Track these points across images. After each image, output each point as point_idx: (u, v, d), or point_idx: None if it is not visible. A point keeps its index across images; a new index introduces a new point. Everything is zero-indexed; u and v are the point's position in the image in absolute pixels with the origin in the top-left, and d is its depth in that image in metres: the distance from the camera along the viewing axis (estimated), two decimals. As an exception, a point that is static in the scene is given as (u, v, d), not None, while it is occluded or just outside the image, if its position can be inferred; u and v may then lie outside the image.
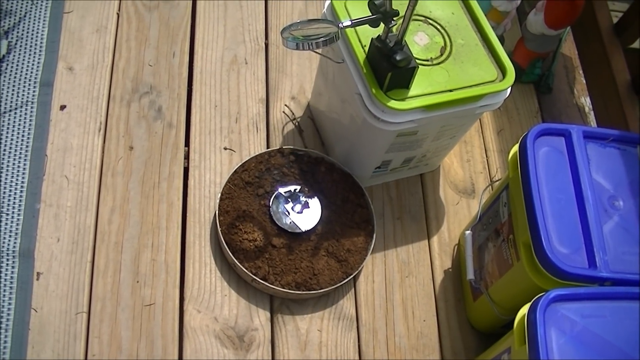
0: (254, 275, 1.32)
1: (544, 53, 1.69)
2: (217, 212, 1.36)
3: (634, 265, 1.16)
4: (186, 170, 1.47)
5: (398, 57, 1.17)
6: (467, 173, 1.58)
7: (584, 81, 1.76)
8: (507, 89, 1.30)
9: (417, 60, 1.24)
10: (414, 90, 1.24)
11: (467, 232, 1.41)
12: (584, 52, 1.79)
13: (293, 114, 1.56)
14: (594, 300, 1.11)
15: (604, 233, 1.17)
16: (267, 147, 1.52)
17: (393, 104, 1.22)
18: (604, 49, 1.66)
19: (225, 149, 1.49)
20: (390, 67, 1.19)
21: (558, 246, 1.15)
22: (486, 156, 1.62)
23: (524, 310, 1.12)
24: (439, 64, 1.28)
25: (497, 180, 1.55)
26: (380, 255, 1.45)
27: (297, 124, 1.55)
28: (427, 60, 1.28)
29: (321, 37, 1.15)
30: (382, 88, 1.22)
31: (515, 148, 1.26)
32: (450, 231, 1.51)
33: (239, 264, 1.32)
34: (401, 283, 1.43)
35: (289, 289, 1.33)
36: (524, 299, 1.14)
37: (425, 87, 1.25)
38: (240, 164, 1.42)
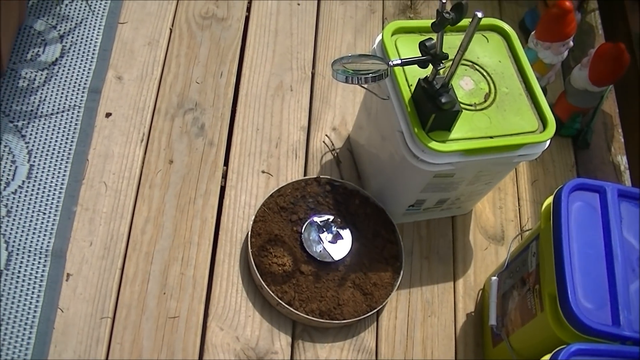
0: (280, 299, 1.36)
1: (584, 108, 1.74)
2: (249, 233, 1.41)
3: (658, 327, 1.20)
4: (222, 190, 1.51)
5: (443, 100, 1.22)
6: (498, 220, 1.62)
7: (622, 140, 1.80)
8: (546, 140, 1.34)
9: (461, 105, 1.29)
10: (455, 133, 1.29)
11: (494, 278, 1.44)
12: (624, 110, 1.83)
13: (333, 144, 1.61)
14: (614, 357, 1.14)
15: (630, 292, 1.20)
16: (304, 175, 1.57)
17: (434, 145, 1.26)
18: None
19: (262, 172, 1.54)
20: (434, 109, 1.24)
21: (583, 301, 1.18)
22: (518, 205, 1.66)
23: (543, 361, 1.15)
24: (482, 109, 1.33)
25: (527, 230, 1.58)
26: (405, 292, 1.49)
27: (335, 154, 1.60)
28: (471, 105, 1.32)
29: (370, 73, 1.20)
30: (424, 128, 1.27)
31: (550, 200, 1.30)
32: (476, 275, 1.55)
33: (265, 287, 1.36)
34: (423, 322, 1.47)
35: (313, 316, 1.36)
36: (544, 350, 1.17)
37: (466, 131, 1.29)
38: (276, 188, 1.46)
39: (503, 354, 1.38)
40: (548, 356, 1.13)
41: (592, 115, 1.78)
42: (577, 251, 1.22)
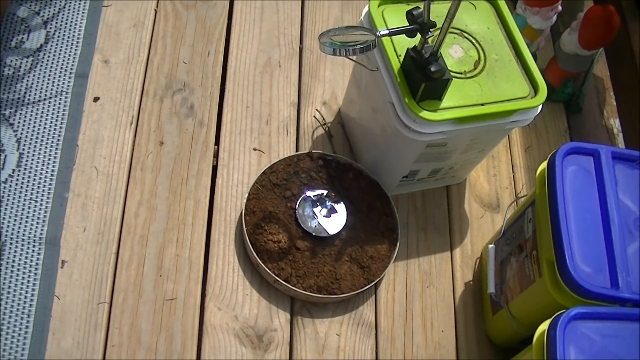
0: (277, 276, 1.35)
1: (575, 73, 1.72)
2: (243, 211, 1.40)
3: (657, 288, 1.19)
4: (214, 169, 1.50)
5: (433, 69, 1.20)
6: (493, 188, 1.61)
7: (614, 103, 1.78)
8: (538, 106, 1.32)
9: (450, 73, 1.27)
10: (446, 102, 1.27)
11: (490, 246, 1.44)
12: (615, 73, 1.81)
13: (324, 119, 1.59)
14: (614, 320, 1.13)
15: (628, 254, 1.19)
16: (296, 151, 1.55)
17: (425, 114, 1.24)
18: (636, 71, 1.68)
19: (254, 149, 1.53)
20: (424, 78, 1.22)
21: (581, 265, 1.17)
22: (513, 172, 1.64)
23: (544, 326, 1.14)
24: (472, 77, 1.31)
25: (522, 197, 1.57)
26: (402, 264, 1.48)
27: (327, 129, 1.58)
28: (461, 73, 1.31)
29: (358, 45, 1.19)
30: (414, 98, 1.25)
31: (544, 165, 1.29)
32: (473, 244, 1.54)
33: (262, 265, 1.35)
34: (422, 293, 1.46)
35: (311, 292, 1.36)
36: (543, 316, 1.16)
37: (457, 99, 1.28)
38: (268, 165, 1.45)
39: (503, 322, 1.38)
40: (548, 321, 1.13)
41: (583, 80, 1.76)
42: (574, 215, 1.21)
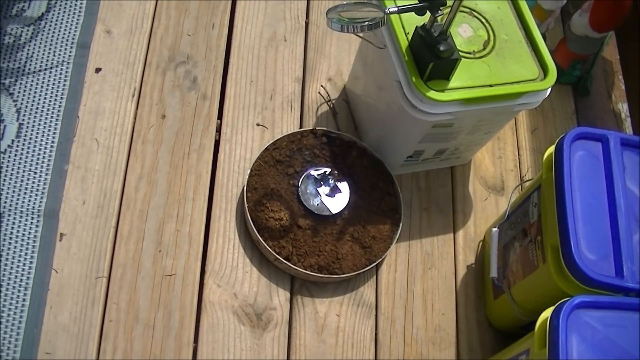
0: (277, 254, 1.33)
1: (585, 55, 1.68)
2: (245, 187, 1.37)
3: (661, 277, 1.17)
4: (217, 144, 1.47)
5: (442, 48, 1.17)
6: (498, 170, 1.58)
7: (623, 87, 1.75)
8: (547, 88, 1.29)
9: (459, 53, 1.24)
10: (453, 82, 1.24)
11: (494, 229, 1.41)
12: (625, 57, 1.78)
13: (328, 95, 1.56)
14: (618, 310, 1.11)
15: (634, 243, 1.17)
16: (300, 127, 1.52)
17: (432, 94, 1.21)
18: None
19: (257, 125, 1.50)
20: (432, 57, 1.19)
21: (586, 252, 1.15)
22: (518, 154, 1.61)
23: (547, 313, 1.12)
24: (481, 57, 1.28)
25: (527, 180, 1.55)
26: (404, 245, 1.45)
27: (331, 105, 1.55)
28: (470, 53, 1.27)
29: (366, 21, 1.15)
30: (422, 77, 1.22)
31: (551, 149, 1.26)
32: (476, 227, 1.51)
33: (263, 242, 1.33)
34: (423, 275, 1.44)
35: (311, 271, 1.33)
36: (546, 302, 1.14)
37: (465, 80, 1.25)
38: (271, 141, 1.42)
39: (504, 306, 1.36)
40: (551, 309, 1.11)
41: (592, 62, 1.72)
42: (580, 201, 1.19)
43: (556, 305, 1.11)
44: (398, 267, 1.43)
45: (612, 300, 1.11)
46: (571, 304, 1.08)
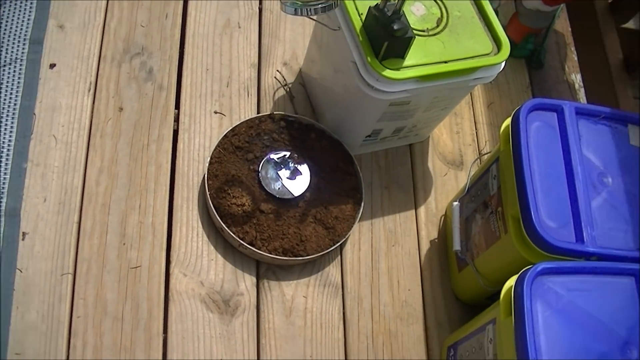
0: (241, 240, 1.30)
1: (537, 29, 1.66)
2: (206, 175, 1.33)
3: (620, 241, 1.15)
4: (175, 133, 1.43)
5: (395, 27, 1.14)
6: (456, 145, 1.56)
7: (576, 58, 1.73)
8: (501, 62, 1.27)
9: (413, 31, 1.22)
10: (408, 60, 1.21)
11: (455, 203, 1.39)
12: (577, 29, 1.76)
13: (285, 79, 1.52)
14: (580, 274, 1.10)
15: (592, 209, 1.16)
16: (258, 112, 1.48)
17: (388, 73, 1.19)
18: (598, 27, 1.64)
19: (215, 112, 1.46)
20: (386, 37, 1.16)
21: (546, 220, 1.13)
22: (475, 129, 1.60)
23: (511, 282, 1.10)
24: (434, 35, 1.26)
25: (486, 153, 1.53)
26: (367, 224, 1.43)
27: (288, 90, 1.52)
28: (423, 31, 1.25)
29: (320, 4, 1.12)
30: (377, 57, 1.19)
31: (508, 121, 1.24)
32: (437, 202, 1.49)
33: (226, 229, 1.30)
34: (387, 252, 1.41)
35: (276, 255, 1.30)
36: (509, 272, 1.13)
37: (420, 57, 1.22)
38: (230, 128, 1.38)
39: (469, 279, 1.34)
40: (515, 277, 1.09)
41: (544, 35, 1.70)
42: (538, 171, 1.17)
43: (519, 273, 1.09)
44: (362, 245, 1.41)
45: (574, 265, 1.10)
46: (534, 271, 1.07)
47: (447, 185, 1.52)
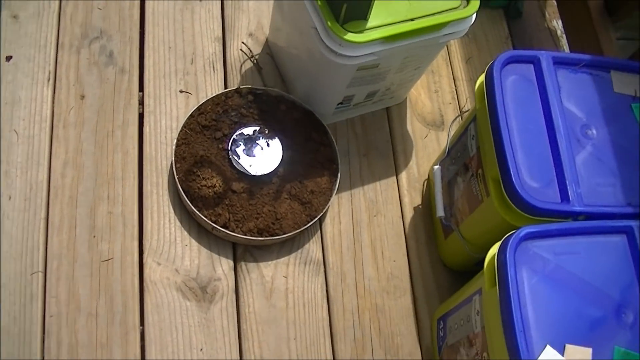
0: (214, 223, 1.19)
1: (513, -24, 1.52)
2: (173, 159, 1.22)
3: (609, 197, 1.03)
4: (141, 117, 1.31)
5: (352, -13, 1.03)
6: (436, 104, 1.43)
7: (555, 3, 1.58)
8: (471, 15, 1.15)
9: (375, -11, 1.10)
10: (373, 21, 1.09)
11: (436, 167, 1.27)
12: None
13: (251, 51, 1.39)
14: (567, 236, 0.99)
15: (577, 164, 1.04)
16: (225, 88, 1.36)
17: (350, 36, 1.07)
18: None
19: (181, 92, 1.34)
20: (344, -2, 1.04)
21: (528, 180, 1.02)
22: (455, 86, 1.46)
23: (494, 250, 0.99)
24: (399, -8, 1.13)
25: (466, 111, 1.40)
26: (346, 195, 1.31)
27: (255, 61, 1.39)
28: (386, -12, 1.13)
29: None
30: (338, 21, 1.07)
31: (482, 78, 1.12)
32: (419, 166, 1.37)
33: (197, 212, 1.19)
34: (369, 223, 1.30)
35: (251, 236, 1.20)
36: (495, 236, 1.02)
37: (385, 17, 1.10)
38: (196, 107, 1.27)
39: (455, 245, 1.23)
40: (498, 244, 0.98)
41: (521, -19, 1.56)
42: (517, 128, 1.05)
43: (502, 240, 0.98)
44: (342, 218, 1.29)
45: (560, 227, 0.99)
46: (517, 237, 0.96)
47: (428, 148, 1.39)
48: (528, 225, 0.98)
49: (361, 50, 1.09)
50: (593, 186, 1.03)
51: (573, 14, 1.46)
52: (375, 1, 1.08)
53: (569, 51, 1.48)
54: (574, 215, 1.00)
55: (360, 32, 1.08)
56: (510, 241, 0.95)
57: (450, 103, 1.44)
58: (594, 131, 1.07)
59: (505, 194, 1.02)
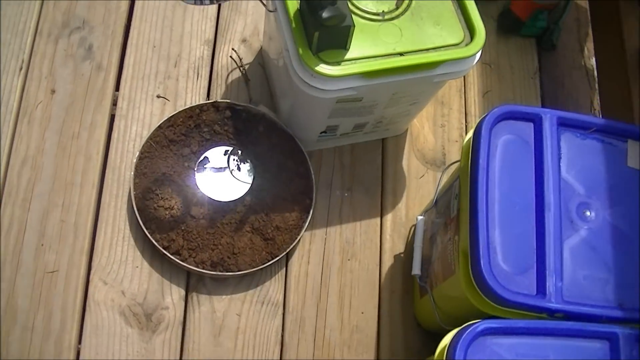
0: (165, 249, 1.05)
1: (548, 4, 1.28)
2: (132, 173, 1.08)
3: (596, 294, 0.84)
4: (112, 119, 1.17)
5: (325, 15, 0.85)
6: (439, 141, 1.23)
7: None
8: (473, 55, 0.95)
9: (363, 15, 0.93)
10: (354, 51, 0.92)
11: (420, 217, 1.09)
12: (594, 7, 1.35)
13: (241, 59, 1.22)
14: (536, 336, 0.80)
15: (564, 251, 0.85)
16: (208, 97, 1.20)
17: (322, 68, 0.90)
18: (617, 8, 1.22)
19: (158, 97, 1.18)
20: (317, 26, 0.87)
21: (501, 263, 0.83)
22: (465, 122, 1.25)
23: (446, 340, 0.82)
24: (391, 19, 0.95)
25: (457, 161, 1.20)
26: (320, 232, 1.14)
27: (244, 71, 1.21)
28: (377, 15, 0.94)
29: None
30: (311, 48, 0.90)
31: (471, 133, 0.92)
32: (408, 209, 1.18)
33: (149, 235, 1.04)
34: (341, 267, 1.12)
35: (204, 268, 1.05)
36: (466, 315, 0.84)
37: (369, 47, 0.92)
38: (165, 118, 1.11)
39: (429, 308, 1.04)
40: (452, 333, 0.80)
41: (562, 10, 1.31)
42: (499, 199, 0.86)
43: (456, 331, 0.80)
44: (312, 258, 1.12)
45: (528, 324, 0.81)
46: (474, 331, 0.79)
47: (422, 190, 1.19)
48: (490, 318, 0.80)
49: (335, 84, 0.92)
50: (579, 279, 0.84)
51: (608, 56, 1.21)
52: (363, 27, 0.90)
53: (598, 97, 1.24)
54: (550, 313, 0.81)
55: (337, 63, 0.91)
56: (464, 336, 0.78)
57: (456, 141, 1.23)
58: (593, 213, 0.87)
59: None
